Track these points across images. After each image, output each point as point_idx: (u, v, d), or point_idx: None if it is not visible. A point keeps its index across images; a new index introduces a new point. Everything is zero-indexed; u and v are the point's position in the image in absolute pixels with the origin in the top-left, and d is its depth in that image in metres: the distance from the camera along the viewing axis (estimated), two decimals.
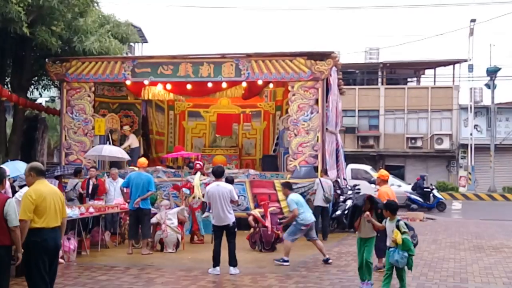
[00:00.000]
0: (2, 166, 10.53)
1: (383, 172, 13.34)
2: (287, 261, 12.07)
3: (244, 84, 19.85)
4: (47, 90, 25.40)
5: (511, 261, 13.25)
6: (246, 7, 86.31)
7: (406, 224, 9.09)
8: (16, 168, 14.02)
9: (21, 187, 10.96)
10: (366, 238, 9.83)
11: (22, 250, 7.14)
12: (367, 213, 9.44)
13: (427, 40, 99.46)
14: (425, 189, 27.88)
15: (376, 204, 9.61)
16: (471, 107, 39.96)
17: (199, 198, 15.24)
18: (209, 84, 19.07)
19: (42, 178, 7.64)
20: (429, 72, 45.93)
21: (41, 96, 26.84)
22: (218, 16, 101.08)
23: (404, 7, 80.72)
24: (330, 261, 12.30)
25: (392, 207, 9.22)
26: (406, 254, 8.70)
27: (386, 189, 12.23)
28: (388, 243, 9.06)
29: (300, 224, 12.16)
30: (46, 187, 7.60)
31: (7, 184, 9.85)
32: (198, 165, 16.38)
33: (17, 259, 7.20)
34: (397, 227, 8.81)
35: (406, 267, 9.00)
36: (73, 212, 12.24)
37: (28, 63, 20.17)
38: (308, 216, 12.29)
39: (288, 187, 12.76)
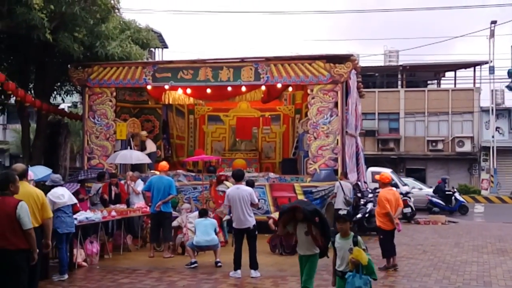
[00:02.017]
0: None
1: (384, 174, 13.21)
2: (194, 263, 12.13)
3: (263, 88, 19.91)
4: (70, 96, 25.64)
5: None
6: (264, 11, 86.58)
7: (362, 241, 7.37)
8: (34, 173, 14.15)
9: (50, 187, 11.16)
10: (306, 256, 8.23)
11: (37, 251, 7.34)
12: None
13: (447, 42, 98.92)
14: (446, 192, 27.67)
15: (305, 214, 7.95)
16: (492, 109, 39.69)
17: None
18: (229, 88, 19.23)
19: (21, 180, 7.80)
20: (449, 74, 45.75)
21: (63, 101, 27.09)
22: (237, 20, 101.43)
23: (423, 9, 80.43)
24: (220, 264, 12.16)
25: (351, 217, 7.76)
26: (369, 279, 7.00)
27: (385, 192, 12.08)
28: (340, 267, 7.28)
29: (194, 245, 12.38)
30: (21, 188, 7.70)
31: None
32: (223, 177, 16.43)
33: (32, 260, 7.32)
34: (356, 243, 7.06)
35: None
36: (96, 215, 12.36)
37: (51, 69, 20.37)
38: (199, 240, 12.29)
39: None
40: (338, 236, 7.32)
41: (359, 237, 7.17)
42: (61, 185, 11.31)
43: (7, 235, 7.01)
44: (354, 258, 6.82)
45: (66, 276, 10.67)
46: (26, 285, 7.34)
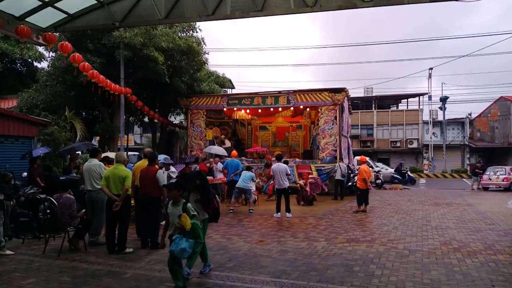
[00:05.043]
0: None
1: (363, 157, 13.82)
2: (231, 210, 11.90)
3: (292, 108, 19.90)
4: (178, 115, 26.18)
5: (457, 211, 12.88)
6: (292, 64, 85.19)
7: (193, 207, 5.08)
8: (159, 158, 14.37)
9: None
10: (203, 220, 5.47)
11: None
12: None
13: (405, 79, 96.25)
14: (402, 171, 27.11)
15: (190, 176, 5.72)
16: (430, 122, 38.65)
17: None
18: (271, 109, 19.19)
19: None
20: (404, 101, 44.68)
21: (175, 119, 27.59)
22: (277, 68, 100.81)
23: (374, 62, 78.80)
24: (252, 210, 11.86)
25: (180, 185, 5.11)
26: (194, 242, 4.92)
27: (363, 167, 12.46)
28: (170, 231, 5.06)
29: (236, 189, 12.32)
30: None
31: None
32: (271, 162, 16.40)
33: (163, 203, 7.36)
34: (185, 210, 4.94)
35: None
36: None
37: (167, 99, 20.86)
38: (239, 185, 12.16)
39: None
40: (170, 202, 5.14)
41: (188, 204, 5.02)
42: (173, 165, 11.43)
43: (151, 188, 7.31)
44: (179, 223, 4.82)
45: None
46: (158, 216, 7.50)
